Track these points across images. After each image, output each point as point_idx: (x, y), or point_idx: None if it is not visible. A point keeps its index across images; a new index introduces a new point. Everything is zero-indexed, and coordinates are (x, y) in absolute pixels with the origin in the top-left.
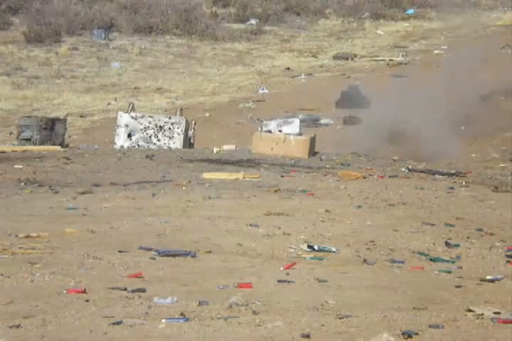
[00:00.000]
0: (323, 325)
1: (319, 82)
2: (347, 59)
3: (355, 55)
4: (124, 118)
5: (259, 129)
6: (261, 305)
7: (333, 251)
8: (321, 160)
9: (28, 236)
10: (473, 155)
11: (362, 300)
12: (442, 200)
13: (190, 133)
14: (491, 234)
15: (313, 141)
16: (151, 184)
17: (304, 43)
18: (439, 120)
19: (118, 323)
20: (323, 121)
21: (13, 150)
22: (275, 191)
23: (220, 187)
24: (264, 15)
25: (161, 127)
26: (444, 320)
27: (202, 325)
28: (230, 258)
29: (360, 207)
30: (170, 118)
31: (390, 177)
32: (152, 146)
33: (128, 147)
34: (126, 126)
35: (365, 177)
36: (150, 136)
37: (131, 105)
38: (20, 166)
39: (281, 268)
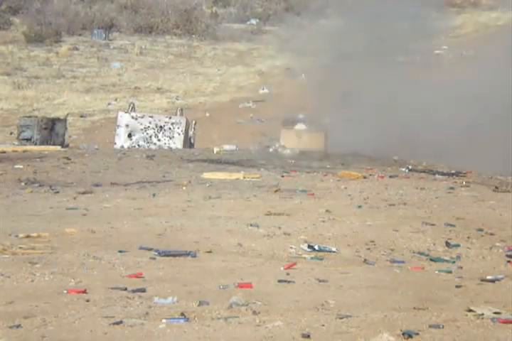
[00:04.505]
0: (323, 325)
1: (319, 82)
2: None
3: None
4: (124, 118)
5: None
6: (261, 305)
7: (334, 251)
8: (321, 160)
9: (28, 236)
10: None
11: (362, 300)
12: (443, 200)
13: (191, 133)
14: (492, 234)
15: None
16: (152, 184)
17: (304, 43)
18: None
19: (118, 323)
20: (323, 121)
21: (13, 150)
22: (275, 191)
23: (220, 187)
24: (265, 15)
25: (161, 127)
26: (444, 320)
27: (202, 325)
28: (230, 258)
29: (360, 207)
30: (170, 118)
31: (390, 177)
32: (152, 146)
33: (128, 147)
34: (127, 126)
35: (365, 177)
36: (150, 136)
37: (132, 105)
38: (21, 166)
39: (282, 268)
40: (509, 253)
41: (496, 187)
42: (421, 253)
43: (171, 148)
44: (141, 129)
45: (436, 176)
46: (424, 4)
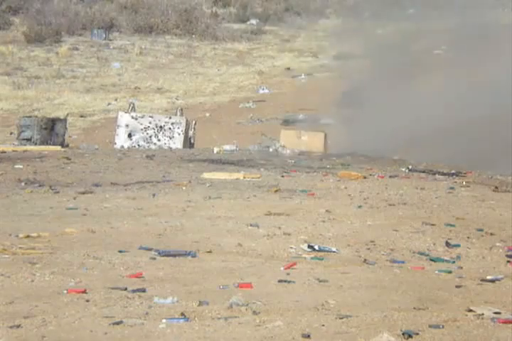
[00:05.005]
0: (323, 325)
1: (319, 82)
2: (347, 59)
3: (356, 55)
4: (124, 118)
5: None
6: (261, 305)
7: (334, 251)
8: (321, 160)
9: (28, 236)
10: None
11: (362, 300)
12: (443, 200)
13: (191, 133)
14: (492, 234)
15: (326, 137)
16: (152, 184)
17: (304, 43)
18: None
19: (118, 323)
20: (323, 121)
21: (13, 150)
22: (275, 191)
23: (220, 187)
24: (265, 15)
25: (161, 127)
26: (444, 320)
27: (202, 325)
28: (230, 258)
29: (360, 207)
30: (170, 118)
31: (390, 177)
32: (152, 146)
33: (128, 147)
34: (127, 126)
35: (365, 177)
36: (150, 136)
37: (132, 105)
38: (21, 166)
39: (282, 268)
40: (509, 253)
41: (496, 187)
42: (421, 253)
43: (170, 148)
44: (141, 129)
45: (436, 176)
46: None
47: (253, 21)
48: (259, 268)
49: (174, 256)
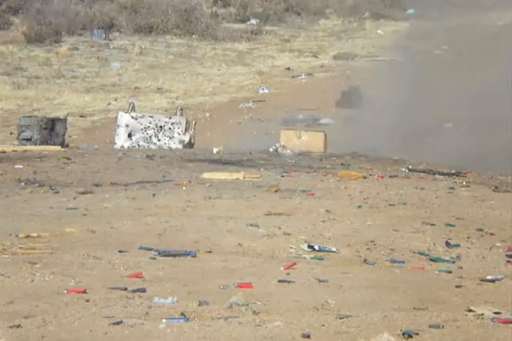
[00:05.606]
0: (323, 325)
1: (319, 82)
2: (347, 59)
3: (356, 55)
4: (124, 118)
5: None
6: (261, 305)
7: (334, 251)
8: (321, 160)
9: (28, 236)
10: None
11: (362, 300)
12: (443, 200)
13: (191, 133)
14: (492, 234)
15: (326, 137)
16: (152, 184)
17: (304, 43)
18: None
19: (118, 323)
20: (323, 121)
21: (13, 150)
22: (275, 191)
23: (220, 187)
24: (265, 15)
25: (161, 127)
26: (444, 320)
27: (202, 325)
28: (230, 258)
29: (360, 207)
30: (170, 118)
31: (390, 177)
32: (152, 146)
33: (128, 147)
34: (127, 126)
35: (365, 177)
36: (150, 136)
37: (132, 105)
38: (21, 166)
39: (282, 268)
40: (509, 253)
41: (496, 187)
42: (421, 253)
43: (170, 148)
44: (141, 129)
45: (436, 176)
46: None
47: (253, 21)
48: (259, 268)
49: (174, 256)
